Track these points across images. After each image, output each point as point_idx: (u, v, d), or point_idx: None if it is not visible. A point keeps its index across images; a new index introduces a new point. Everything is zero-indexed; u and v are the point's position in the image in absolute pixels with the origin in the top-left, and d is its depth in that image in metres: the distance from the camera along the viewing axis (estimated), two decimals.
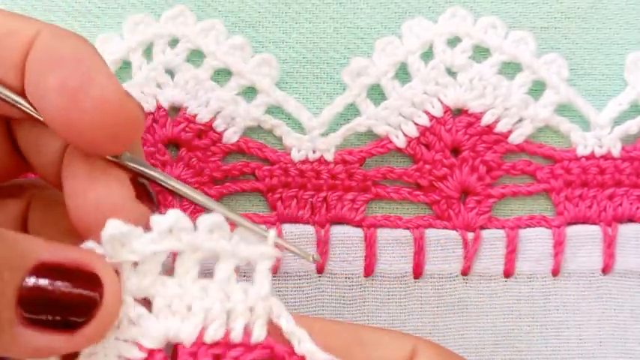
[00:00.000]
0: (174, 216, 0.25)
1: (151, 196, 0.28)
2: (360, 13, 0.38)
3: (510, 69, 0.38)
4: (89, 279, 0.24)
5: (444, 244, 0.37)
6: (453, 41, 0.38)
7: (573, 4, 0.39)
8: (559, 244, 0.38)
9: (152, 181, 0.28)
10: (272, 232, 0.27)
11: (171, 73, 0.37)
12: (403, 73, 0.38)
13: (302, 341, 0.26)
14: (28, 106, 0.26)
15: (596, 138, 0.38)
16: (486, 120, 0.38)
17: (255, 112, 0.37)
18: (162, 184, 0.28)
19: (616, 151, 0.38)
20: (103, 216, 0.25)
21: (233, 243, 0.26)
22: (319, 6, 0.38)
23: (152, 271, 0.25)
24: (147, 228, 0.25)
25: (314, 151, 0.37)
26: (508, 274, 0.38)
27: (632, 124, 0.38)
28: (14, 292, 0.22)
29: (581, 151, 0.38)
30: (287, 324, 0.26)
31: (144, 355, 0.25)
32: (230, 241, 0.26)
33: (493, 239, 0.38)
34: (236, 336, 0.25)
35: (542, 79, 0.38)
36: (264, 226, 0.30)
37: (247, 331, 0.26)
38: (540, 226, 0.38)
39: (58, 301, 0.23)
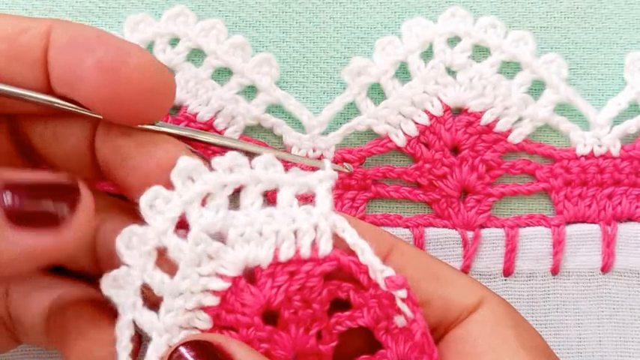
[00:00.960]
0: (233, 156, 0.28)
1: (197, 152, 0.29)
2: (360, 13, 0.39)
3: (510, 68, 0.38)
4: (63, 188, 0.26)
5: (443, 243, 0.37)
6: (453, 41, 0.38)
7: (573, 3, 0.39)
8: (558, 243, 0.38)
9: (192, 140, 0.30)
10: (326, 161, 0.31)
11: (172, 72, 0.37)
12: (403, 73, 0.38)
13: (365, 252, 0.28)
14: (55, 100, 0.28)
15: (595, 137, 0.38)
16: (486, 119, 0.38)
17: (256, 111, 0.37)
18: (205, 140, 0.31)
19: (615, 151, 0.38)
20: (166, 174, 0.27)
21: (291, 174, 0.29)
22: (319, 6, 0.38)
23: (222, 205, 0.28)
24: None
25: (314, 150, 0.37)
26: (508, 272, 0.38)
27: (631, 123, 0.38)
28: None
29: (581, 150, 0.38)
30: (350, 237, 0.28)
31: (228, 284, 0.27)
32: (287, 173, 0.29)
33: (493, 238, 0.38)
34: (305, 252, 0.28)
35: (542, 79, 0.38)
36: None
37: (315, 247, 0.28)
38: (540, 225, 0.38)
39: (39, 197, 0.25)
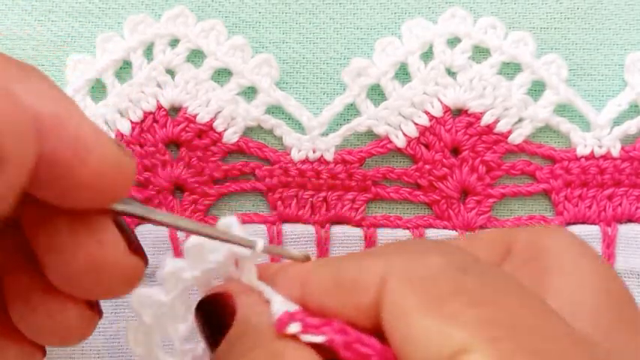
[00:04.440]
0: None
1: (139, 245, 0.27)
2: (360, 13, 0.38)
3: (510, 69, 0.38)
4: None
5: None
6: (453, 41, 0.38)
7: (573, 4, 0.39)
8: None
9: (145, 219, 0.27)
10: (259, 243, 0.28)
11: (171, 73, 0.37)
12: (403, 74, 0.38)
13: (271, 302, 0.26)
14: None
15: (595, 138, 0.38)
16: (486, 120, 0.38)
17: (256, 112, 0.37)
18: (154, 220, 0.28)
19: (615, 151, 0.38)
20: (97, 275, 0.24)
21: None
22: (319, 6, 0.38)
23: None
24: (141, 277, 0.26)
25: (314, 151, 0.37)
26: None
27: (631, 124, 0.38)
28: None
29: (581, 151, 0.38)
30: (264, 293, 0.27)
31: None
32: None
33: None
34: None
35: (542, 80, 0.38)
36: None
37: None
38: None
39: None
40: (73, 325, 0.26)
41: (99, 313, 0.28)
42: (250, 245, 0.27)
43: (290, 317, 0.24)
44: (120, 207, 0.25)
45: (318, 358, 0.24)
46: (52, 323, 0.26)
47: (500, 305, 0.22)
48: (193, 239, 0.28)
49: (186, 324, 0.29)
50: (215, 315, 0.27)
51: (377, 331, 0.24)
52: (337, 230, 0.37)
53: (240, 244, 0.27)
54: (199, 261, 0.28)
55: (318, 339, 0.24)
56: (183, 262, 0.28)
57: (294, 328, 0.24)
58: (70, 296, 0.26)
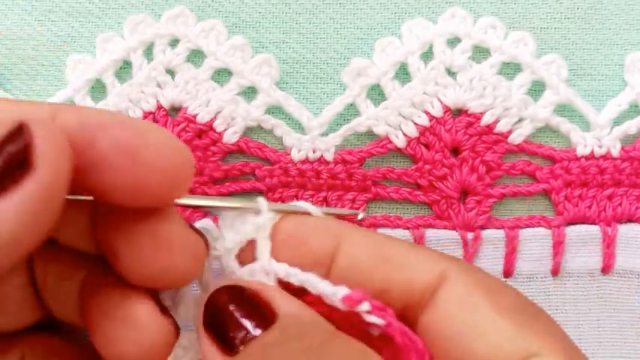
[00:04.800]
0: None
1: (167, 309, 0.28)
2: (360, 13, 0.38)
3: (510, 69, 0.38)
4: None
5: (443, 244, 0.37)
6: (453, 42, 0.38)
7: (573, 4, 0.39)
8: (559, 244, 0.38)
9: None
10: (261, 202, 0.29)
11: (171, 73, 0.37)
12: (403, 74, 0.38)
13: (312, 285, 0.27)
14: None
15: (595, 138, 0.38)
16: (486, 120, 0.38)
17: (256, 112, 0.37)
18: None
19: (615, 151, 0.38)
20: (169, 252, 0.26)
21: (227, 229, 0.29)
22: (319, 6, 0.38)
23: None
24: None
25: (314, 151, 0.37)
26: (508, 274, 0.38)
27: (631, 124, 0.38)
28: None
29: (581, 151, 0.38)
30: (295, 278, 0.28)
31: None
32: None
33: (493, 239, 0.38)
34: None
35: (542, 80, 0.38)
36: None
37: None
38: (540, 226, 0.38)
39: None
40: (148, 328, 0.26)
41: (175, 326, 0.28)
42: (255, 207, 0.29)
43: (362, 297, 0.27)
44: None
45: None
46: (130, 330, 0.26)
47: (555, 323, 0.27)
48: (202, 223, 0.29)
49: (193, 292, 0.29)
50: (221, 314, 0.27)
51: (400, 313, 0.27)
52: None
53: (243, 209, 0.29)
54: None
55: (379, 321, 0.27)
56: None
57: (365, 306, 0.27)
58: (141, 298, 0.27)
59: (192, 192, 0.37)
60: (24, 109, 0.24)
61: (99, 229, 0.27)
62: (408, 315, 0.28)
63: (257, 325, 0.26)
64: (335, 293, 0.27)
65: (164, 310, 0.27)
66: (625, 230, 0.38)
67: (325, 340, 0.26)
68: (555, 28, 0.39)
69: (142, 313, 0.26)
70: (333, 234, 0.29)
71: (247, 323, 0.26)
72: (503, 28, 0.38)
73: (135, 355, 0.26)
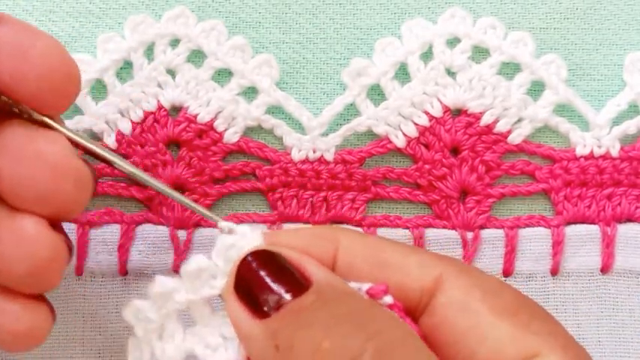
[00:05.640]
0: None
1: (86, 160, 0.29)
2: (360, 13, 0.39)
3: (509, 69, 0.38)
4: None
5: (443, 244, 0.38)
6: (453, 42, 0.38)
7: (572, 4, 0.39)
8: (558, 244, 0.38)
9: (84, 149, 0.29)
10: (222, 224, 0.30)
11: (172, 73, 0.37)
12: (403, 74, 0.38)
13: None
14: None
15: (594, 138, 0.38)
16: (485, 120, 0.38)
17: (256, 112, 0.37)
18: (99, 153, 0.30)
19: (615, 151, 0.38)
20: (50, 172, 0.26)
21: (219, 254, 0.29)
22: (319, 6, 0.38)
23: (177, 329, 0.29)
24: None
25: (314, 151, 0.37)
26: (507, 273, 0.38)
27: (630, 124, 0.38)
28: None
29: (580, 151, 0.38)
30: None
31: None
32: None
33: (492, 239, 0.38)
34: None
35: (541, 80, 0.38)
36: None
37: None
38: (539, 225, 0.38)
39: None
40: (43, 244, 0.26)
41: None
42: (215, 220, 0.29)
43: (386, 290, 0.27)
44: (85, 143, 0.29)
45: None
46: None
47: (554, 320, 0.27)
48: (194, 262, 0.28)
49: (174, 345, 0.28)
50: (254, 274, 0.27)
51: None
52: None
53: (205, 216, 0.30)
54: (198, 285, 0.28)
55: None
56: (176, 283, 0.28)
57: (388, 299, 0.27)
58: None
59: (193, 191, 0.37)
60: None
61: None
62: None
63: (289, 291, 0.25)
64: (360, 288, 0.27)
65: (56, 227, 0.27)
66: (624, 230, 0.38)
67: (365, 307, 0.26)
68: (555, 29, 0.39)
69: (30, 227, 0.26)
70: (330, 240, 0.29)
71: (280, 288, 0.26)
72: (503, 28, 0.38)
73: (24, 269, 0.26)
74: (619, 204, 0.38)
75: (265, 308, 0.25)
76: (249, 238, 0.28)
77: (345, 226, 0.37)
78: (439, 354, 0.26)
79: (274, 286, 0.26)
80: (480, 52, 0.38)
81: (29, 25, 0.27)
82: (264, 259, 0.27)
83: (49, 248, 0.26)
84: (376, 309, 0.26)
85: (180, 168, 0.37)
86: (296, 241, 0.28)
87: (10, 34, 0.26)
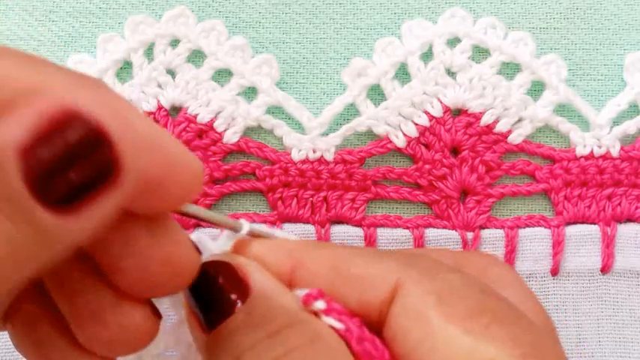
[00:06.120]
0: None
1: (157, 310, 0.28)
2: (360, 13, 0.39)
3: (510, 69, 0.38)
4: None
5: (443, 244, 0.38)
6: (453, 42, 0.38)
7: (572, 4, 0.39)
8: (558, 244, 0.38)
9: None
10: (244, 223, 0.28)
11: (172, 73, 0.37)
12: (403, 74, 0.38)
13: None
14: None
15: (595, 138, 0.38)
16: (486, 120, 0.38)
17: (256, 112, 0.37)
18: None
19: (615, 151, 0.38)
20: (173, 271, 0.25)
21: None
22: (319, 6, 0.38)
23: None
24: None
25: (314, 151, 0.37)
26: None
27: (630, 124, 0.38)
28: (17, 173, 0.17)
29: (580, 151, 0.38)
30: None
31: None
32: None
33: (492, 239, 0.38)
34: None
35: (542, 80, 0.38)
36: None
37: None
38: (539, 225, 0.38)
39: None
40: (143, 331, 0.26)
41: (159, 314, 0.27)
42: (236, 227, 0.28)
43: (319, 294, 0.25)
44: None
45: (346, 347, 0.24)
46: (124, 334, 0.26)
47: (521, 325, 0.25)
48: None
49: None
50: (203, 289, 0.26)
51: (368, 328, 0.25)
52: (337, 230, 0.37)
53: (225, 226, 0.28)
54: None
55: (337, 325, 0.25)
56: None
57: (320, 305, 0.25)
58: (136, 302, 0.26)
59: None
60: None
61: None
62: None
63: (238, 298, 0.25)
64: (299, 296, 0.26)
65: (154, 311, 0.27)
66: (624, 230, 0.38)
67: (285, 324, 0.24)
68: (555, 29, 0.39)
69: (139, 317, 0.26)
70: (289, 253, 0.27)
71: (230, 296, 0.25)
72: (503, 28, 0.38)
73: (126, 351, 0.26)
74: (619, 204, 0.38)
75: (208, 324, 0.25)
76: (218, 245, 0.28)
77: (345, 225, 0.38)
78: None
79: (226, 294, 0.26)
80: (480, 52, 0.38)
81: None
82: (218, 267, 0.26)
83: (151, 332, 0.26)
84: (294, 328, 0.25)
85: None
86: (258, 250, 0.27)
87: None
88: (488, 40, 0.38)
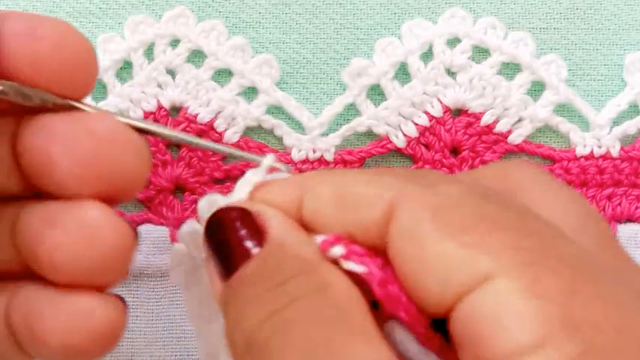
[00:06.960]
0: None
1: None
2: (360, 13, 0.39)
3: (510, 69, 0.38)
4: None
5: None
6: (453, 42, 0.38)
7: (572, 4, 0.39)
8: None
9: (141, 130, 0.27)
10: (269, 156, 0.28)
11: (172, 73, 0.37)
12: (403, 74, 0.38)
13: None
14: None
15: (595, 138, 0.38)
16: (486, 120, 0.38)
17: (256, 112, 0.37)
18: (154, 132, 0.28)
19: (615, 151, 0.38)
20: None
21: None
22: (319, 6, 0.38)
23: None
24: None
25: (314, 151, 0.37)
26: None
27: (630, 124, 0.38)
28: None
29: (580, 151, 0.38)
30: None
31: None
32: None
33: None
34: None
35: (542, 80, 0.38)
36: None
37: None
38: None
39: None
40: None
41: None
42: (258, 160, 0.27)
43: (336, 239, 0.23)
44: (122, 119, 0.26)
45: (360, 295, 0.22)
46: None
47: (526, 230, 0.21)
48: (188, 225, 0.27)
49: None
50: (220, 237, 0.25)
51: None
52: None
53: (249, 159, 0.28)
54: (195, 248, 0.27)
55: (359, 268, 0.23)
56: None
57: (338, 250, 0.23)
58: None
59: (193, 191, 0.37)
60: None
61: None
62: None
63: (256, 246, 0.24)
64: (317, 242, 0.24)
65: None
66: (624, 230, 0.38)
67: (294, 273, 0.23)
68: (555, 29, 0.39)
69: (93, 212, 0.24)
70: (297, 185, 0.25)
71: (248, 243, 0.24)
72: (503, 28, 0.38)
73: (92, 258, 0.24)
74: (619, 204, 0.38)
75: (227, 270, 0.24)
76: (236, 192, 0.27)
77: None
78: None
79: (244, 241, 0.24)
80: (480, 52, 0.38)
81: (35, 13, 0.26)
82: (231, 214, 0.25)
83: (114, 233, 0.25)
84: (303, 277, 0.23)
85: (180, 168, 0.37)
86: (270, 194, 0.26)
87: (18, 22, 0.24)
88: (488, 40, 0.38)
